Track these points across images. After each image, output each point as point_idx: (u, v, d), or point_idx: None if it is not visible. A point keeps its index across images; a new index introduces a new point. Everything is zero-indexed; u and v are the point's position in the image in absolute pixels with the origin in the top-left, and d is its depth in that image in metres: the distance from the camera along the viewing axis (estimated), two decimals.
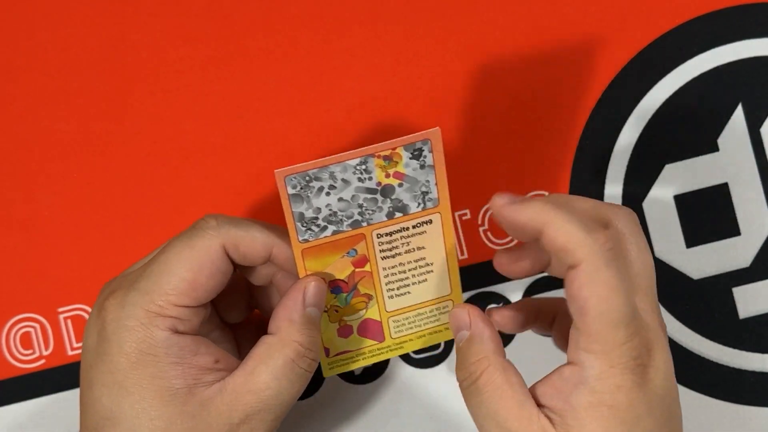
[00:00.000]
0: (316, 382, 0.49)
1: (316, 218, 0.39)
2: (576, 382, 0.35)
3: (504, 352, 0.37)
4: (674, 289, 0.49)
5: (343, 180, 0.38)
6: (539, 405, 0.36)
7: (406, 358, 0.49)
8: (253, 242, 0.38)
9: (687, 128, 0.49)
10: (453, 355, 0.49)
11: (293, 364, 0.37)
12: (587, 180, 0.49)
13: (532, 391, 0.36)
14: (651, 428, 0.35)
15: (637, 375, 0.34)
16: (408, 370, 0.49)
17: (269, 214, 0.49)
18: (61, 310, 0.49)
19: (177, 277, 0.37)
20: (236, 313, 0.43)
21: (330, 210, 0.38)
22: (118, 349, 0.36)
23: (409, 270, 0.41)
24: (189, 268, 0.37)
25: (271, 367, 0.37)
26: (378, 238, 0.40)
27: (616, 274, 0.34)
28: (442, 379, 0.48)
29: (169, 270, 0.37)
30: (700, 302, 0.49)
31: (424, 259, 0.41)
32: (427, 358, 0.49)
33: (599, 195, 0.49)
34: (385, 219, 0.39)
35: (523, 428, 0.35)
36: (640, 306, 0.36)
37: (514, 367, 0.37)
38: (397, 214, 0.39)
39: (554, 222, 0.35)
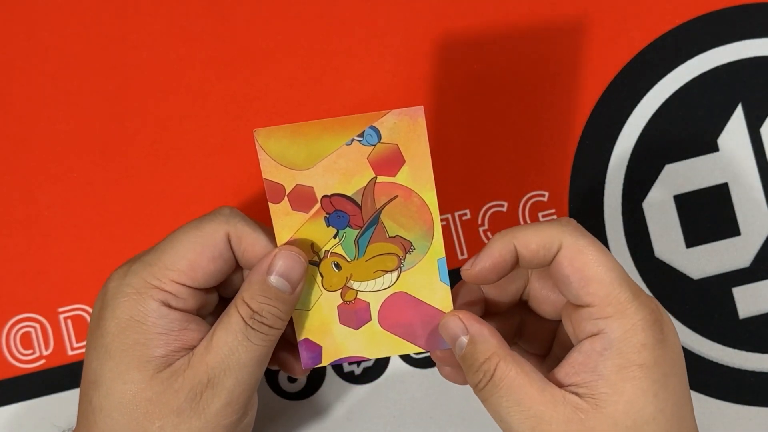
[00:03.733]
0: (316, 382, 0.49)
1: None
2: (601, 350, 0.35)
3: (508, 345, 0.37)
4: (674, 289, 0.49)
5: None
6: (564, 385, 0.36)
7: (406, 357, 0.49)
8: (255, 241, 0.38)
9: (687, 128, 0.49)
10: None
11: (245, 324, 0.37)
12: (587, 180, 0.49)
13: (553, 376, 0.36)
14: (675, 387, 0.35)
15: (657, 331, 0.35)
16: (408, 370, 0.49)
17: (268, 214, 0.49)
18: (61, 310, 0.49)
19: (179, 254, 0.38)
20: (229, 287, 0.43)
21: None
22: (111, 314, 0.37)
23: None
24: (192, 249, 0.38)
25: (225, 324, 0.37)
26: None
27: (595, 242, 0.36)
28: (442, 379, 0.48)
29: (173, 247, 0.38)
30: (700, 302, 0.49)
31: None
32: (427, 357, 0.49)
33: (599, 195, 0.49)
34: None
35: (550, 410, 0.35)
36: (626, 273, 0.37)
37: (523, 358, 0.37)
38: None
39: (520, 235, 0.37)
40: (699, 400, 0.48)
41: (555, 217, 0.49)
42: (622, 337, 0.35)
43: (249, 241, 0.39)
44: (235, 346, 0.37)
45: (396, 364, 0.49)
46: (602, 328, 0.35)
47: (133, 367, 0.36)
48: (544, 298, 0.40)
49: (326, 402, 0.48)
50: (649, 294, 0.39)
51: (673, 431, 0.35)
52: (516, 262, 0.38)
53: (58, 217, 0.49)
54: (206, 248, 0.38)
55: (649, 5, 0.50)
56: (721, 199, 0.49)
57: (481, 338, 0.37)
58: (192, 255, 0.38)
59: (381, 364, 0.49)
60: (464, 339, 0.37)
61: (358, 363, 0.48)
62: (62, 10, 0.50)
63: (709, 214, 0.49)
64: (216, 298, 0.41)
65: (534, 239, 0.37)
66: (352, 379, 0.49)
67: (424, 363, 0.49)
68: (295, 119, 0.49)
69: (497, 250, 0.37)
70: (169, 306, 0.38)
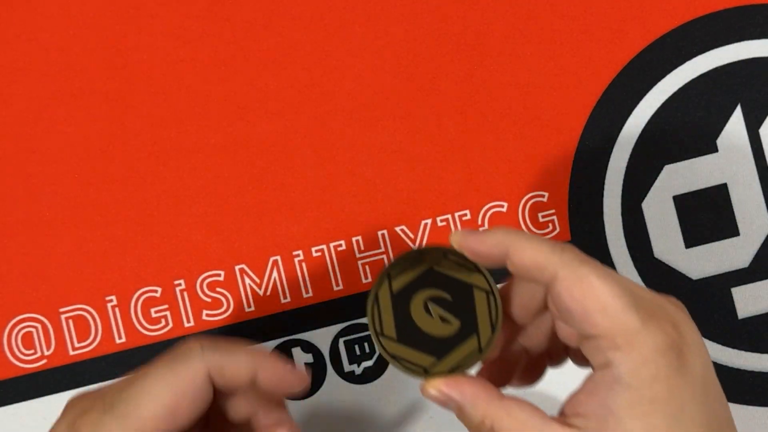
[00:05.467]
0: (316, 382, 0.49)
1: None
2: (610, 383, 0.33)
3: (497, 392, 0.36)
4: (673, 289, 0.49)
5: None
6: (573, 416, 0.34)
7: None
8: (237, 366, 0.37)
9: (686, 129, 0.49)
10: None
11: None
12: (587, 180, 0.49)
13: (567, 405, 0.35)
14: (696, 415, 0.33)
15: (672, 358, 0.33)
16: None
17: (269, 215, 0.49)
18: (62, 310, 0.49)
19: (157, 402, 0.35)
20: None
21: None
22: None
23: None
24: (172, 393, 0.36)
25: None
26: None
27: (597, 268, 0.34)
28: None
29: (150, 394, 0.36)
30: (700, 302, 0.49)
31: None
32: None
33: (598, 196, 0.49)
34: None
35: None
36: (638, 292, 0.35)
37: (516, 399, 0.35)
38: None
39: (518, 243, 0.35)
40: None
41: (555, 218, 0.49)
42: (630, 371, 0.33)
43: (232, 367, 0.37)
44: None
45: None
46: (611, 360, 0.33)
47: None
48: (568, 333, 0.37)
49: (326, 402, 0.49)
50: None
51: None
52: (501, 263, 0.36)
53: (59, 217, 0.49)
54: (187, 391, 0.36)
55: (649, 5, 0.50)
56: (720, 200, 0.49)
57: (467, 404, 0.36)
58: (172, 400, 0.35)
59: (381, 364, 0.49)
60: (453, 407, 0.36)
61: (359, 363, 0.49)
62: (62, 11, 0.50)
63: (708, 215, 0.49)
64: None
65: (528, 255, 0.35)
66: (352, 378, 0.49)
67: None
68: (295, 119, 0.49)
69: (490, 243, 0.36)
70: None
